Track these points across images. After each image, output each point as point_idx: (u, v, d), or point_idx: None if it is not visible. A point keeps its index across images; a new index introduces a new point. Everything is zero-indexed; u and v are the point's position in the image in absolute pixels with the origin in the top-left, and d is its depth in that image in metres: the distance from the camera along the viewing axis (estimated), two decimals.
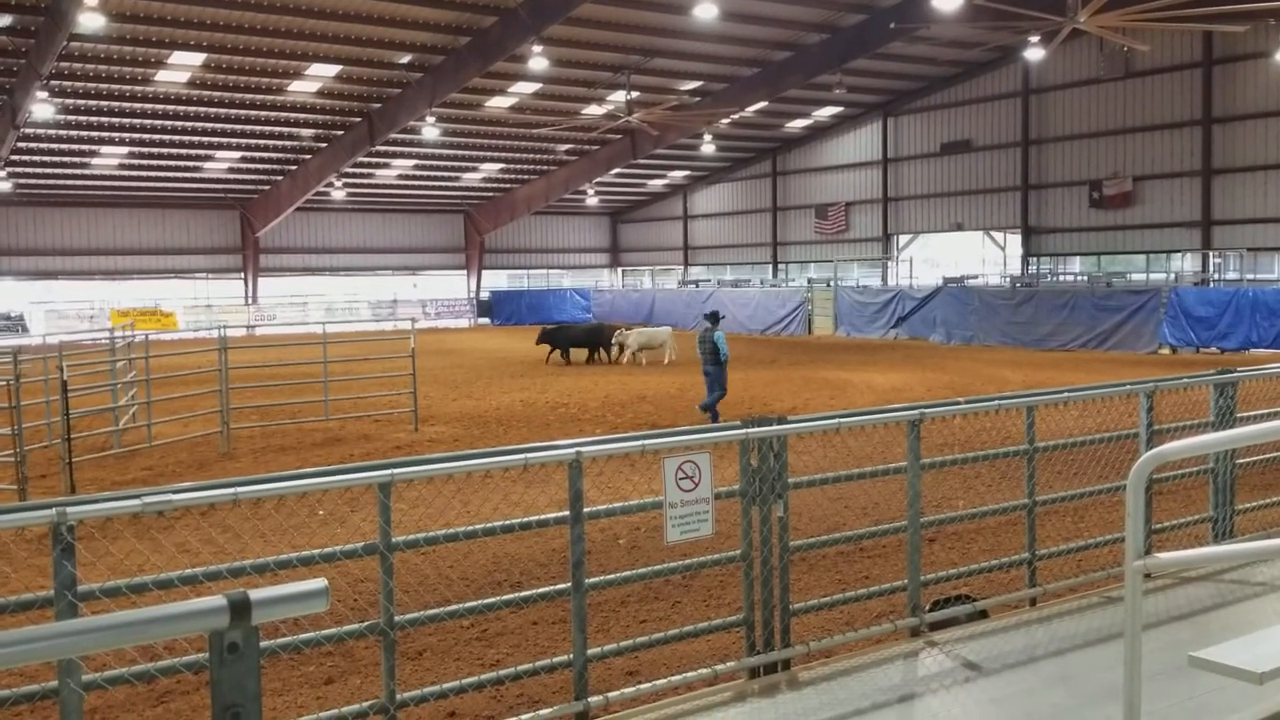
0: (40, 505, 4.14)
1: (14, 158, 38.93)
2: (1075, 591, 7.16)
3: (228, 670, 1.99)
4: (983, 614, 6.75)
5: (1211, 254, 36.94)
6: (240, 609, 1.97)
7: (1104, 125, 39.02)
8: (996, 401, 6.99)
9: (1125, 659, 3.72)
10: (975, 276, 43.06)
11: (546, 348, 31.03)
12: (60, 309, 46.65)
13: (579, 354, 31.34)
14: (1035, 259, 42.51)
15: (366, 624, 4.94)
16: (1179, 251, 38.47)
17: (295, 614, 2.09)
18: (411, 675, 6.76)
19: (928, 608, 6.57)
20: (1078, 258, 42.24)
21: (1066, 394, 7.27)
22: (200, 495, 4.48)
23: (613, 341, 31.14)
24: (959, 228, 44.99)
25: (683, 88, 40.53)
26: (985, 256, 45.57)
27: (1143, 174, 38.19)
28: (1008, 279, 41.49)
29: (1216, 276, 36.59)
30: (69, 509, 4.08)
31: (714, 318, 19.44)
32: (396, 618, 4.91)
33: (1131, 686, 3.68)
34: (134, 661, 4.77)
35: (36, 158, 40.72)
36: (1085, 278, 39.74)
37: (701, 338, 19.00)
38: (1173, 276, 37.20)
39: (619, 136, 45.59)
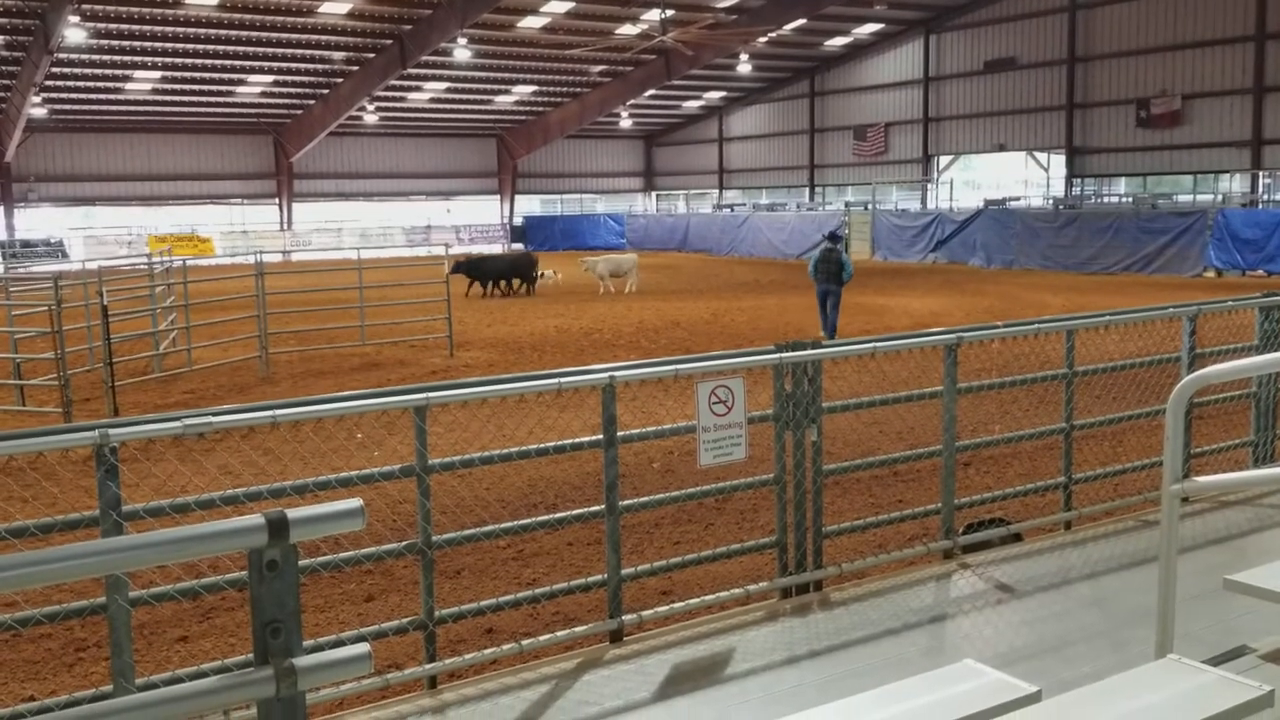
0: (84, 427, 4.22)
1: (48, 83, 38.99)
2: (1111, 515, 7.13)
3: (267, 587, 2.03)
4: (1017, 537, 6.76)
5: (1261, 174, 36.03)
6: (278, 527, 2.00)
7: (1153, 41, 37.88)
8: (1035, 325, 6.91)
9: (1160, 581, 3.71)
10: (1017, 199, 42.31)
11: (464, 280, 28.32)
12: (99, 235, 47.08)
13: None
14: (1079, 180, 41.67)
15: (405, 543, 5.02)
16: (1227, 172, 37.55)
17: (332, 532, 2.12)
18: (450, 594, 6.88)
19: (961, 531, 6.58)
20: (1123, 179, 41.36)
21: (1107, 317, 7.16)
22: (240, 418, 4.54)
23: (582, 268, 30.41)
24: (1001, 148, 44.11)
25: (719, 5, 39.70)
26: (1028, 178, 44.71)
27: (1192, 92, 37.13)
28: (1050, 201, 40.74)
29: (1266, 197, 35.72)
30: (111, 431, 4.15)
31: (834, 237, 19.70)
32: (434, 538, 4.99)
33: (1165, 609, 3.67)
34: (179, 579, 4.89)
35: (70, 83, 40.77)
36: (1130, 199, 38.95)
37: (825, 257, 18.71)
38: (1220, 198, 36.36)
39: (653, 57, 44.85)
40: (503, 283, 29.50)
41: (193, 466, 8.97)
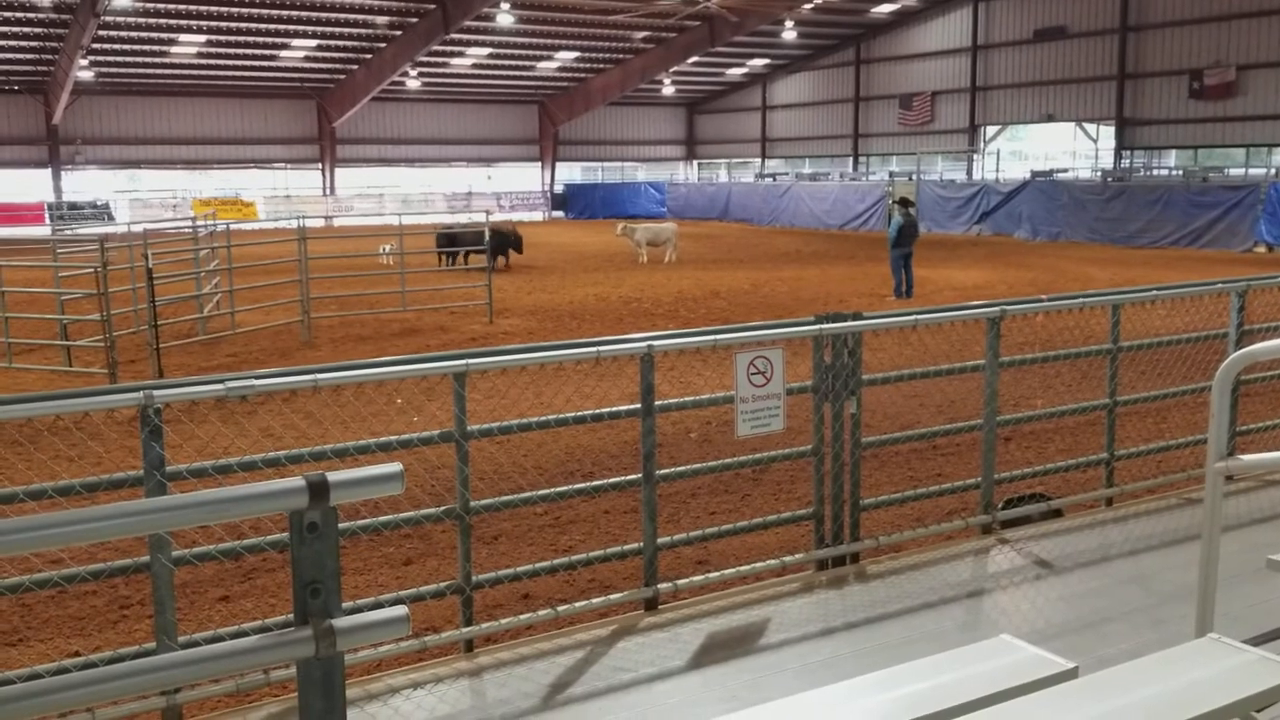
0: (129, 388, 4.28)
1: (95, 46, 39.34)
2: (1153, 493, 7.05)
3: (307, 548, 2.05)
4: (1057, 513, 6.70)
5: None
6: (319, 490, 2.02)
7: (1207, 10, 36.95)
8: (1080, 300, 6.81)
9: (1201, 559, 3.66)
10: (1065, 170, 41.58)
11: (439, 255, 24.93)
12: (144, 198, 47.60)
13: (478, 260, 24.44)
14: (1129, 152, 40.88)
15: (443, 508, 5.06)
16: None
17: (371, 496, 2.13)
18: (487, 559, 6.94)
19: (1000, 506, 6.53)
20: (1174, 151, 40.52)
21: (1154, 292, 7.04)
22: (281, 381, 4.58)
23: (618, 234, 30.00)
24: (1050, 119, 43.35)
25: None
26: (1076, 149, 43.93)
27: (1247, 63, 36.22)
28: (1099, 173, 40.05)
29: None
30: (156, 392, 4.21)
31: (906, 202, 21.78)
32: (472, 503, 5.02)
33: (1206, 587, 3.62)
34: (221, 540, 4.96)
35: (117, 46, 41.11)
36: (1180, 172, 38.20)
37: (909, 221, 20.60)
38: (1274, 171, 35.55)
39: (697, 23, 44.43)
40: (470, 255, 25.83)
41: (235, 429, 9.10)
